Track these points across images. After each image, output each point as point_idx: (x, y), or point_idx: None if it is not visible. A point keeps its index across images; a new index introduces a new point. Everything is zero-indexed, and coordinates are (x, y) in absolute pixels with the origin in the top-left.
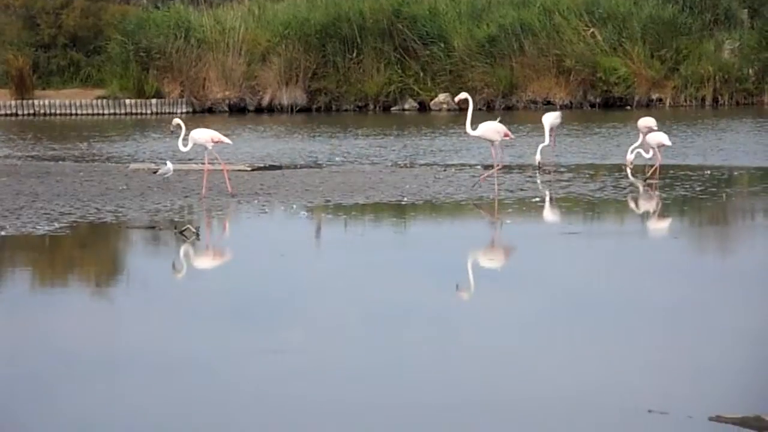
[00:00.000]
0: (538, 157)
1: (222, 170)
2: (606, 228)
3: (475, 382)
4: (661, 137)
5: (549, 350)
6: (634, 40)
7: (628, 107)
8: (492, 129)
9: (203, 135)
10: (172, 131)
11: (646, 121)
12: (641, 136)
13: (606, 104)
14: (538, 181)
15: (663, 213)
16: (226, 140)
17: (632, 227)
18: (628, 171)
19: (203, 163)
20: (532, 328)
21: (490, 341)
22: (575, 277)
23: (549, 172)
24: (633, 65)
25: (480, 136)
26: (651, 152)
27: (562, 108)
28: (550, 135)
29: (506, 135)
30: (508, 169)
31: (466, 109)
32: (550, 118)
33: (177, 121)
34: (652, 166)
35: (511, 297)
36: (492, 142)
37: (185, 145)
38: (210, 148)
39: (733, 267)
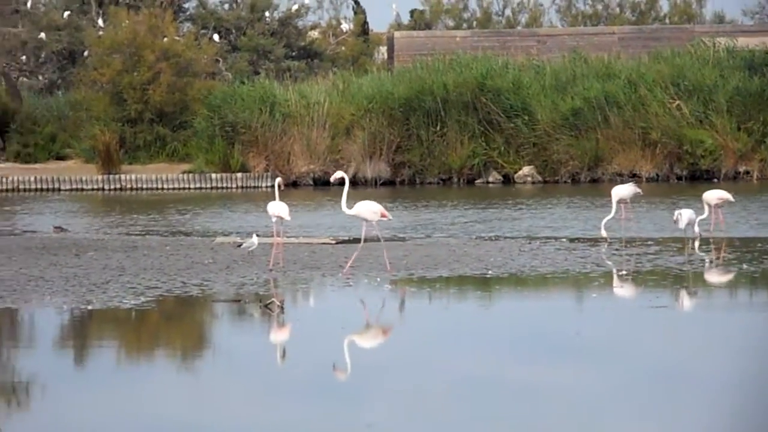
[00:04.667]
0: (603, 232)
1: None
2: (694, 302)
3: None
4: (721, 192)
5: (638, 428)
6: (720, 113)
7: (715, 180)
8: (368, 209)
9: (277, 209)
10: (275, 185)
11: (719, 194)
12: (707, 208)
13: (692, 177)
14: (623, 254)
15: (751, 286)
16: (287, 216)
17: (720, 300)
18: (695, 244)
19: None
20: (621, 404)
21: (577, 416)
22: (664, 352)
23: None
24: (719, 138)
25: (355, 215)
26: (707, 212)
27: (648, 181)
28: (623, 208)
29: (383, 215)
30: (594, 242)
31: (343, 185)
32: (619, 191)
33: (279, 180)
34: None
35: (596, 371)
36: (366, 221)
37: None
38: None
39: None
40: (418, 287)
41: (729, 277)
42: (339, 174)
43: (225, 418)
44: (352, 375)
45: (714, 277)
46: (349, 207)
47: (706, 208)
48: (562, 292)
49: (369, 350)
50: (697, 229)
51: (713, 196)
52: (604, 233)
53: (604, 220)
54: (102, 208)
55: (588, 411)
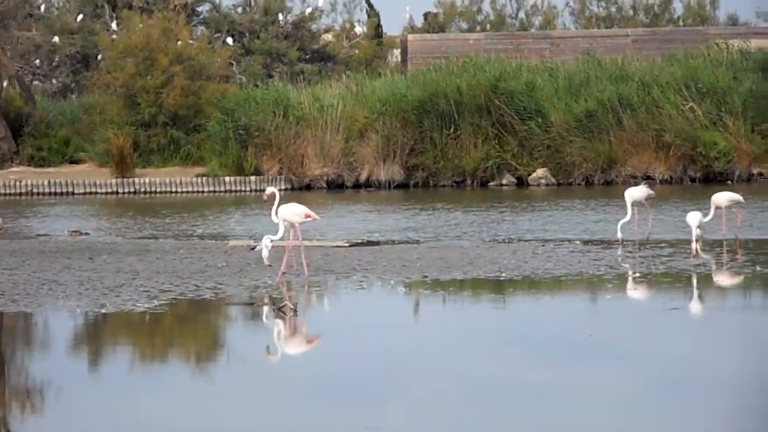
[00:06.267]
0: (619, 234)
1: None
2: (708, 304)
3: None
4: (731, 194)
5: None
6: (734, 115)
7: (729, 182)
8: (291, 212)
9: (293, 211)
10: (265, 200)
11: (730, 196)
12: (713, 210)
13: (706, 179)
14: (637, 256)
15: (765, 288)
16: (315, 216)
17: (733, 302)
18: (697, 246)
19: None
20: (635, 406)
21: (589, 419)
22: (677, 354)
23: (644, 247)
24: (733, 140)
25: (281, 218)
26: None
27: (661, 183)
28: (639, 210)
29: (307, 216)
30: (607, 244)
31: (273, 200)
32: (632, 194)
33: (271, 189)
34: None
35: (609, 373)
36: (293, 224)
37: (277, 218)
38: (298, 224)
39: None
40: (432, 290)
41: (742, 278)
42: (270, 190)
43: (238, 422)
44: (365, 378)
45: (727, 279)
46: (276, 215)
47: (713, 210)
48: (576, 294)
49: (382, 353)
50: (699, 230)
51: (723, 198)
52: (619, 235)
53: (620, 223)
54: (116, 211)
55: (601, 413)
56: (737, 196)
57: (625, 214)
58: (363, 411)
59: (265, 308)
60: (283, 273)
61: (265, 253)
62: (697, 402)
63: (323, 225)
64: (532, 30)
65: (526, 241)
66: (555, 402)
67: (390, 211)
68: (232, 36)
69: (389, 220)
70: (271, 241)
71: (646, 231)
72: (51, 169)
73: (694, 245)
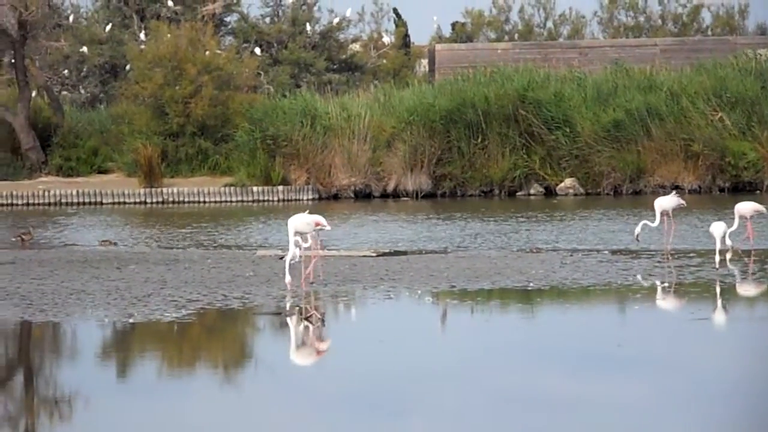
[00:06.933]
0: (638, 230)
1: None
2: (735, 314)
3: None
4: (755, 204)
5: None
6: (763, 124)
7: (758, 192)
8: (301, 222)
9: (304, 220)
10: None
11: (754, 206)
12: (738, 220)
13: (735, 189)
14: (667, 266)
15: None
16: (326, 224)
17: (761, 312)
18: (720, 257)
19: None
20: (664, 416)
21: (617, 428)
22: (704, 364)
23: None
24: (762, 149)
25: (293, 230)
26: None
27: (690, 193)
28: (667, 218)
29: (317, 224)
30: (636, 254)
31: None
32: (662, 203)
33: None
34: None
35: (637, 383)
36: (303, 234)
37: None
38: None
39: None
40: (460, 300)
41: None
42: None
43: (263, 431)
44: (391, 388)
45: (754, 289)
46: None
47: (737, 219)
48: (604, 304)
49: (409, 363)
50: (729, 241)
51: (748, 207)
52: (638, 230)
53: (645, 221)
54: (144, 221)
55: (628, 424)
56: (761, 207)
57: (654, 220)
58: (388, 422)
59: (293, 318)
60: (311, 282)
61: (288, 278)
62: (723, 413)
63: (350, 235)
64: (560, 39)
65: (554, 250)
66: (582, 413)
67: (417, 220)
68: (260, 46)
69: (417, 230)
70: (292, 260)
71: (668, 241)
72: (79, 179)
73: (717, 257)
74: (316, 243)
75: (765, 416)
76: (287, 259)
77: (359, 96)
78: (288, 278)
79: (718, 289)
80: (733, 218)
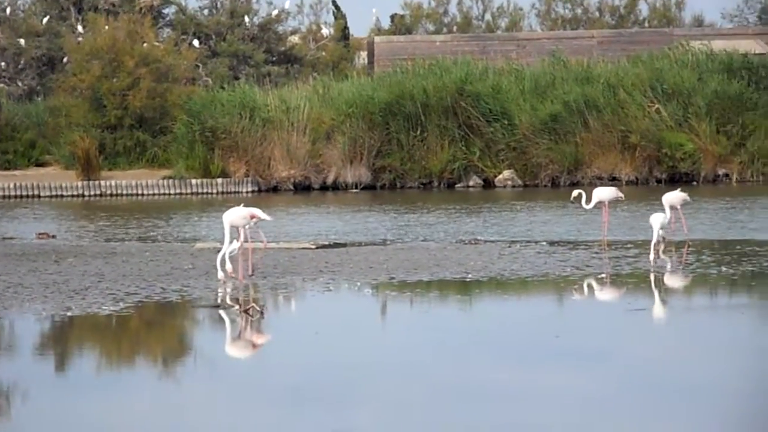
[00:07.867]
0: (661, 233)
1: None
2: (673, 305)
3: None
4: (680, 194)
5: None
6: (699, 116)
7: (695, 183)
8: (236, 215)
9: (239, 214)
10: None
11: (682, 195)
12: (669, 210)
13: (672, 180)
14: (602, 257)
15: (730, 288)
16: (263, 215)
17: (698, 303)
18: (657, 251)
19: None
20: (600, 407)
21: (555, 420)
22: (642, 355)
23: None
24: (699, 141)
25: (229, 224)
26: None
27: (627, 184)
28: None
29: (253, 216)
30: (573, 245)
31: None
32: (600, 193)
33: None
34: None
35: (575, 373)
36: (238, 227)
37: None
38: (249, 226)
39: None
40: (399, 291)
41: (707, 279)
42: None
43: (203, 424)
44: (331, 380)
45: (690, 279)
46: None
47: (668, 210)
48: (542, 295)
49: (349, 355)
50: (662, 231)
51: (677, 197)
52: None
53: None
54: (81, 214)
55: (566, 414)
56: (687, 196)
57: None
58: (330, 413)
59: (232, 311)
60: (250, 275)
61: (228, 266)
62: (659, 403)
63: (290, 227)
64: (499, 32)
65: (493, 242)
66: (521, 403)
67: (357, 213)
68: (198, 38)
69: (356, 222)
70: (231, 252)
71: (604, 233)
72: (17, 172)
73: (653, 247)
74: (258, 235)
75: (701, 403)
76: (223, 253)
77: (298, 88)
78: (221, 274)
79: (654, 280)
80: (663, 209)
